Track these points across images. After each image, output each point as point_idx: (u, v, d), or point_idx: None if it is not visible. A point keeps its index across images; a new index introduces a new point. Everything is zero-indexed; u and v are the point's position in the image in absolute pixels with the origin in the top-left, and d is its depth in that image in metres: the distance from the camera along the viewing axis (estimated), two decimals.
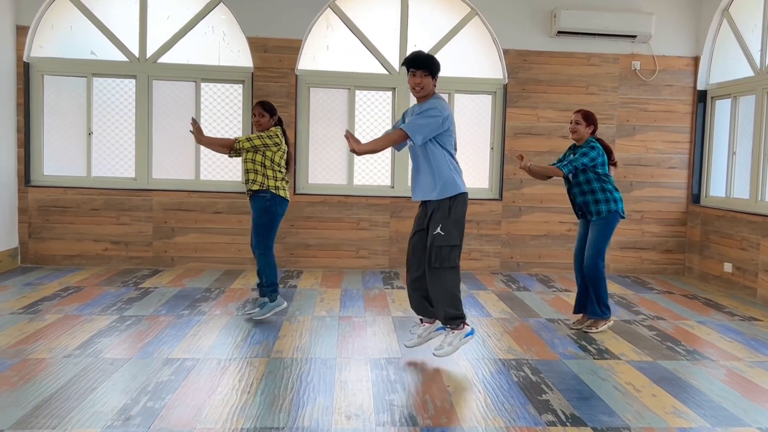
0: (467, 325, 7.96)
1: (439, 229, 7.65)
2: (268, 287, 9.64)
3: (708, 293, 12.47)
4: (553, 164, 9.47)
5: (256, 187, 9.40)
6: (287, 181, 9.69)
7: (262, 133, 9.42)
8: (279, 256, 13.20)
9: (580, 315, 9.92)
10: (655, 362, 8.22)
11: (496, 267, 14.04)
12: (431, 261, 7.69)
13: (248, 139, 9.34)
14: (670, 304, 11.47)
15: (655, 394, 7.15)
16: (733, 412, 6.71)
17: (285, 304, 9.87)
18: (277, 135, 9.47)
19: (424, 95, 7.74)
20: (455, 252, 7.77)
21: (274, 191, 9.42)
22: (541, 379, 7.49)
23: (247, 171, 9.50)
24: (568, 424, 6.27)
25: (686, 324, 10.17)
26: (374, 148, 7.67)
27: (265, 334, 8.96)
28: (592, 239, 9.40)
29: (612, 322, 9.59)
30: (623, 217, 9.48)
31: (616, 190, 9.38)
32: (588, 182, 9.31)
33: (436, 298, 7.85)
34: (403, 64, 7.78)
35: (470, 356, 8.24)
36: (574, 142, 9.62)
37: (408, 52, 13.29)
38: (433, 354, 7.87)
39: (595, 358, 8.29)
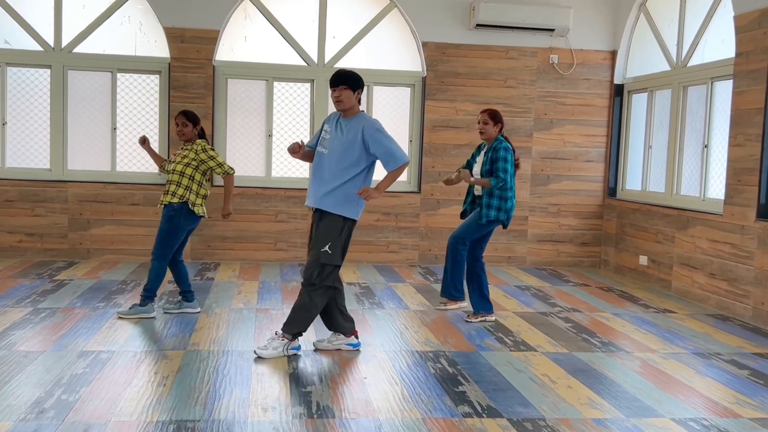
0: (296, 340, 7.99)
1: (327, 247, 7.70)
2: (146, 292, 9.39)
3: (623, 286, 12.61)
4: (466, 169, 9.68)
5: (176, 200, 9.17)
6: (206, 198, 9.58)
7: (203, 146, 9.27)
8: (196, 248, 13.16)
9: (447, 300, 10.13)
10: (570, 354, 8.30)
11: (415, 260, 14.07)
12: (313, 276, 7.73)
13: (219, 165, 9.25)
14: (586, 297, 11.59)
15: (571, 385, 7.21)
16: (647, 403, 6.79)
17: (154, 313, 9.54)
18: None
19: (348, 108, 7.85)
20: (336, 273, 7.88)
21: (190, 207, 9.24)
22: (458, 371, 7.52)
23: (170, 183, 9.24)
24: (484, 415, 6.30)
25: (602, 316, 10.28)
26: (388, 185, 7.87)
27: (182, 326, 8.89)
28: (467, 226, 9.59)
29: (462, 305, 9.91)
30: (505, 227, 9.71)
31: (513, 196, 9.54)
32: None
33: (297, 306, 7.92)
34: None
35: (387, 348, 8.26)
36: (482, 141, 9.76)
37: (327, 44, 13.38)
38: (254, 351, 7.86)
39: (511, 350, 8.34)
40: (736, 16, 10.77)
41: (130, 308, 9.39)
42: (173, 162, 9.32)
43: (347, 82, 7.77)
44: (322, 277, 7.71)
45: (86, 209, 13.21)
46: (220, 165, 9.27)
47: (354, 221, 7.87)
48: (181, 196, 9.17)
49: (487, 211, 9.38)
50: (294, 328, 7.86)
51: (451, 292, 10.01)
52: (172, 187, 9.19)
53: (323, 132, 8.03)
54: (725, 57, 11.23)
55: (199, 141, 9.34)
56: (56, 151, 13.34)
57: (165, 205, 9.22)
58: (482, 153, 9.72)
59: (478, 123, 9.68)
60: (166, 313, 9.48)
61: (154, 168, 13.32)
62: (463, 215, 9.97)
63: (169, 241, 9.29)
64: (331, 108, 8.20)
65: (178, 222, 9.24)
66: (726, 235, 10.82)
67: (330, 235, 7.71)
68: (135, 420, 5.90)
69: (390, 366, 7.65)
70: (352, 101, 7.81)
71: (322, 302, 7.87)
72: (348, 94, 7.77)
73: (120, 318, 9.24)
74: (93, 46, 13.37)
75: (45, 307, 9.64)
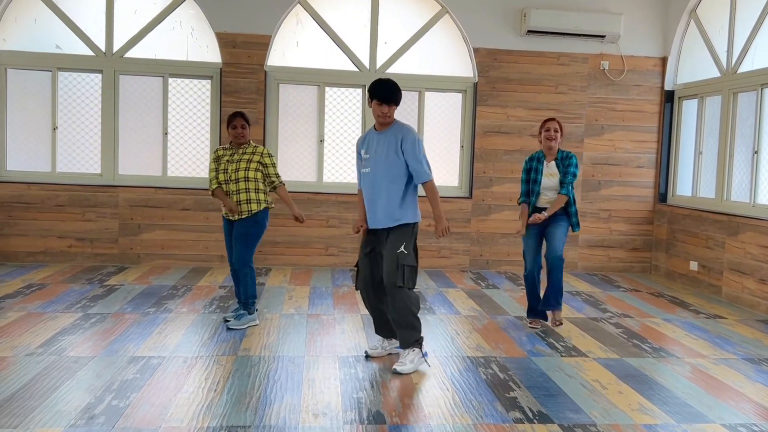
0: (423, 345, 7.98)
1: (402, 247, 7.63)
2: (249, 299, 9.42)
3: (674, 291, 12.53)
4: (529, 192, 9.55)
5: (263, 207, 9.22)
6: None
7: (269, 152, 9.30)
8: None
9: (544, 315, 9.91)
10: (621, 359, 8.25)
11: (466, 265, 14.05)
12: (397, 281, 7.59)
13: (276, 175, 9.34)
14: (637, 302, 11.52)
15: (622, 391, 7.17)
16: (698, 408, 6.75)
17: (258, 321, 9.59)
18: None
19: (388, 122, 7.80)
20: (415, 275, 7.76)
21: (269, 206, 9.30)
22: (509, 377, 7.49)
23: (247, 191, 9.14)
24: (535, 421, 6.28)
25: (652, 321, 10.22)
26: (439, 207, 7.81)
27: (233, 332, 8.90)
28: (561, 240, 9.37)
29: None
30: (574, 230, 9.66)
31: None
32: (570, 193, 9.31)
33: (397, 317, 7.73)
34: (371, 93, 7.75)
35: (439, 354, 8.24)
36: (540, 150, 9.51)
37: (378, 50, 13.36)
38: (395, 371, 7.65)
39: (562, 356, 8.31)
40: None
41: (238, 319, 9.28)
42: (234, 167, 9.23)
43: (397, 100, 7.73)
44: (405, 279, 7.58)
45: (137, 214, 13.29)
46: (277, 175, 9.34)
47: (418, 224, 7.85)
48: (265, 200, 9.22)
49: (576, 219, 9.37)
50: (413, 335, 7.76)
51: (554, 303, 9.73)
52: (253, 195, 9.16)
53: (362, 154, 7.99)
54: None
55: (260, 146, 9.31)
56: (107, 156, 13.43)
57: (253, 213, 9.20)
58: (546, 166, 9.39)
59: (548, 131, 9.28)
60: (229, 329, 9.22)
61: (204, 173, 13.42)
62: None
63: (256, 245, 9.33)
64: None
65: (264, 224, 9.31)
66: None
67: (403, 238, 7.65)
68: (186, 426, 5.92)
69: (441, 372, 7.63)
70: (393, 116, 7.81)
71: (414, 298, 7.75)
72: (394, 110, 7.76)
73: (230, 330, 9.12)
74: (144, 51, 13.45)
75: (95, 312, 9.69)
